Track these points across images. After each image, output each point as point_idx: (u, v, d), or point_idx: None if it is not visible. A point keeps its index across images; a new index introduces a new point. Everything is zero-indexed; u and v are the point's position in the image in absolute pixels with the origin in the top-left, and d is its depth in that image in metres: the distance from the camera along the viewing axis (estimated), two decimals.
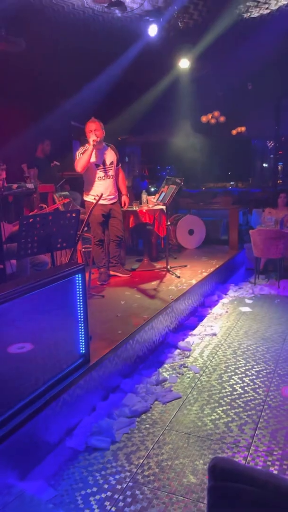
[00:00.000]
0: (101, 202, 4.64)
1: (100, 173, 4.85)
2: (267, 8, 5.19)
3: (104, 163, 4.86)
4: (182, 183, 5.39)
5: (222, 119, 9.59)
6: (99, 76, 7.06)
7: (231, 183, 10.59)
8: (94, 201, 4.40)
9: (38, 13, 4.95)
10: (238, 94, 8.69)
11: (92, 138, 4.61)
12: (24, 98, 7.28)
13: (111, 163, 4.91)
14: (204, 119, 9.73)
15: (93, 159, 4.75)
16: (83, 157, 4.67)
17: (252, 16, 5.42)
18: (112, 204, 4.97)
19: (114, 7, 4.91)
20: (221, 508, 0.99)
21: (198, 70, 7.50)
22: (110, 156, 4.91)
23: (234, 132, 10.20)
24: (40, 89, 6.99)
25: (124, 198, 5.13)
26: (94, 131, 4.66)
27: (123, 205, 5.10)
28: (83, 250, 5.23)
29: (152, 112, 8.45)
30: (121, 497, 2.15)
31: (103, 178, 4.86)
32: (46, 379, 2.50)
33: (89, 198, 4.89)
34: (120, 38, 5.89)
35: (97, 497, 2.16)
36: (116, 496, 2.16)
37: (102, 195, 4.50)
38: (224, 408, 2.95)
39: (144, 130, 9.66)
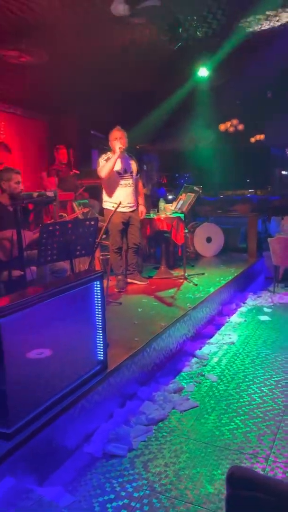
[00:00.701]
0: (121, 209, 4.71)
1: (121, 181, 4.92)
2: (277, 21, 5.22)
3: (125, 172, 4.95)
4: (201, 191, 5.40)
5: (240, 127, 9.57)
6: (118, 86, 7.16)
7: (250, 190, 10.55)
8: (113, 209, 4.45)
9: (59, 25, 5.05)
10: (257, 102, 8.67)
11: (118, 145, 4.71)
12: (44, 107, 7.43)
13: (132, 172, 4.99)
14: (222, 127, 9.73)
15: (116, 166, 4.83)
16: (108, 163, 4.75)
17: (263, 28, 5.45)
18: (131, 211, 5.02)
19: (135, 17, 4.99)
20: None
21: (217, 78, 7.53)
22: (132, 165, 5.01)
23: (252, 140, 10.18)
24: (60, 99, 7.12)
25: (141, 208, 5.18)
26: (119, 139, 4.77)
27: (140, 215, 5.15)
28: (101, 257, 5.28)
29: (170, 121, 8.50)
30: (138, 505, 2.15)
31: (124, 186, 4.93)
32: (65, 385, 2.53)
33: (108, 205, 4.95)
34: (138, 47, 5.96)
35: (114, 504, 2.16)
36: (133, 504, 2.16)
37: (120, 203, 4.56)
38: (242, 417, 2.93)
39: (162, 138, 9.72)
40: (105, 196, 5.03)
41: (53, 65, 6.02)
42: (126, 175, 4.94)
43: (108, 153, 4.86)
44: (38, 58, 5.54)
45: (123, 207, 4.81)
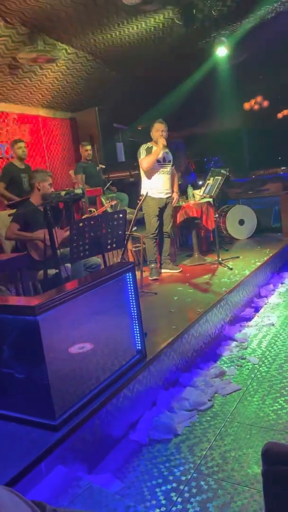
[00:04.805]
0: (158, 196, 5.01)
1: (160, 169, 5.08)
2: None
3: (164, 160, 5.10)
4: (228, 174, 5.33)
5: (265, 103, 9.33)
6: (136, 75, 7.12)
7: (283, 168, 10.22)
8: (154, 196, 4.84)
9: (72, 21, 5.08)
10: (281, 76, 8.40)
11: (162, 141, 4.89)
12: (65, 105, 7.50)
13: (169, 161, 5.15)
14: (247, 106, 9.52)
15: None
16: (151, 157, 4.94)
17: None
18: (167, 198, 5.17)
19: (146, 5, 4.96)
20: (275, 492, 1.00)
21: (236, 57, 7.35)
22: (168, 155, 5.17)
23: (280, 115, 9.89)
24: (80, 95, 7.16)
25: (174, 195, 5.29)
26: (162, 131, 4.95)
27: (172, 202, 5.22)
28: (133, 249, 5.32)
29: (191, 105, 8.37)
30: (186, 488, 2.19)
31: (162, 173, 5.09)
32: (106, 376, 2.59)
33: (144, 191, 5.02)
34: (154, 32, 5.90)
35: (163, 488, 2.21)
36: (181, 487, 2.20)
37: (147, 193, 4.68)
38: (286, 398, 2.90)
39: (186, 123, 9.60)
40: (144, 183, 5.14)
41: (70, 62, 6.07)
42: (165, 163, 5.10)
43: (149, 144, 5.03)
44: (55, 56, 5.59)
45: (160, 193, 5.03)
